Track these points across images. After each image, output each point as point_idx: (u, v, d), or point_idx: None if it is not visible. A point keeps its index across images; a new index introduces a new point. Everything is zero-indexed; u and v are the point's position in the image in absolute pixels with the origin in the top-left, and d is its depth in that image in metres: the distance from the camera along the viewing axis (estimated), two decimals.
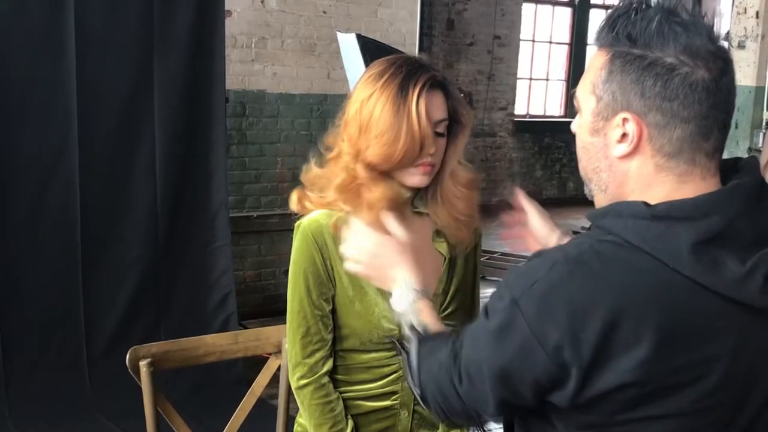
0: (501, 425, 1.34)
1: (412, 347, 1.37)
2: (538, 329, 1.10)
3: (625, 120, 1.14)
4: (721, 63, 1.13)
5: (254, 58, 5.35)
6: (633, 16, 1.14)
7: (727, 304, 1.09)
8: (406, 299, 1.44)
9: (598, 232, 1.14)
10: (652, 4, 1.15)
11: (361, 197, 1.68)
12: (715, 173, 1.15)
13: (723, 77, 1.13)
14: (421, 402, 1.36)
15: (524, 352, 1.12)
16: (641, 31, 1.13)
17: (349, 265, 1.55)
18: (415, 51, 5.96)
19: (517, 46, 9.86)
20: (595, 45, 1.20)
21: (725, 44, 1.18)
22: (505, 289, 1.15)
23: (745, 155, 4.78)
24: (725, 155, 1.20)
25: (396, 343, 1.51)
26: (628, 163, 1.15)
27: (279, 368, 2.17)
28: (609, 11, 1.20)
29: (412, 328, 1.40)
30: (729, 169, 1.18)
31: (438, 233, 1.79)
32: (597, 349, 1.07)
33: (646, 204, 1.12)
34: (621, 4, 1.17)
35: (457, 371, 1.23)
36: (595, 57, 1.19)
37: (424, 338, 1.38)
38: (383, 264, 1.50)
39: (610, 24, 1.16)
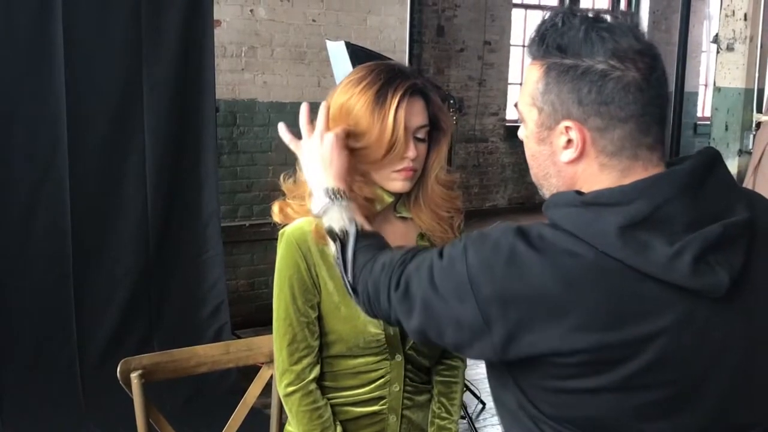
0: (497, 423, 1.36)
1: (350, 239, 1.46)
2: (476, 278, 1.17)
3: (567, 128, 1.20)
4: (649, 60, 1.19)
5: (244, 67, 5.35)
6: (560, 26, 1.20)
7: (662, 287, 1.12)
8: (333, 199, 1.52)
9: (548, 222, 1.20)
10: (578, 14, 1.21)
11: None
12: (658, 164, 1.20)
13: (653, 73, 1.18)
14: (349, 290, 1.46)
15: (457, 295, 1.19)
16: (570, 40, 1.19)
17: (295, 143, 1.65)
18: (406, 58, 5.97)
19: (508, 52, 9.88)
20: (529, 58, 1.25)
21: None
22: (466, 239, 1.24)
23: (736, 157, 4.81)
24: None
25: (328, 233, 1.53)
26: (575, 167, 1.22)
27: (271, 377, 2.17)
28: (537, 24, 1.25)
29: (352, 220, 1.48)
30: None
31: (422, 237, 1.79)
32: (522, 313, 1.14)
33: (577, 193, 1.19)
34: (548, 16, 1.23)
35: (398, 278, 1.31)
36: (529, 70, 1.24)
37: (361, 233, 1.47)
38: (323, 159, 1.58)
39: (540, 36, 1.22)
